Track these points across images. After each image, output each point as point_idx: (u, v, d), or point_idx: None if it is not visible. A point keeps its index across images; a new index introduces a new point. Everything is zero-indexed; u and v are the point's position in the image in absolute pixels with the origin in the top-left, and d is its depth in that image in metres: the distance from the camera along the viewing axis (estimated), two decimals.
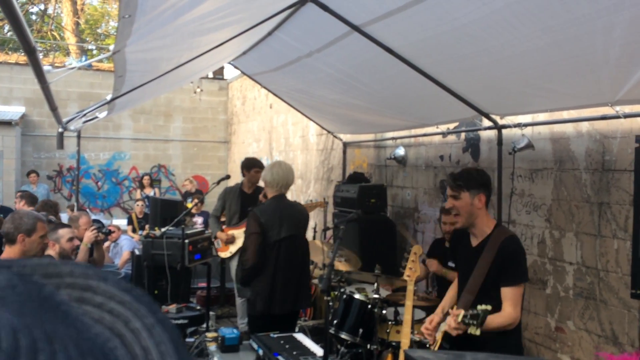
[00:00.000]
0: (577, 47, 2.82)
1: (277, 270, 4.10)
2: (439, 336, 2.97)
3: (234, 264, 6.01)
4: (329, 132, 7.31)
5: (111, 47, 3.08)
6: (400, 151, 6.43)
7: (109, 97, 4.77)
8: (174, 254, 5.29)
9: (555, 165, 4.47)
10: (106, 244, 6.51)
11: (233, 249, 6.00)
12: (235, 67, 6.40)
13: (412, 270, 3.53)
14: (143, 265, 5.46)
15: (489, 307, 2.56)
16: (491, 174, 3.93)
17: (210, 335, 4.19)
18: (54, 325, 0.35)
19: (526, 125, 4.29)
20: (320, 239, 6.56)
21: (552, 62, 3.07)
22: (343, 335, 3.96)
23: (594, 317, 4.11)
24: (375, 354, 3.89)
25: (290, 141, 10.20)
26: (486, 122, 4.61)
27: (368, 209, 5.95)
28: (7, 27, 19.30)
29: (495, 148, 4.63)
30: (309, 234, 5.75)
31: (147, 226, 6.61)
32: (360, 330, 3.92)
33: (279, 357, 3.31)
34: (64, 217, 6.84)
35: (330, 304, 3.87)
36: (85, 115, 5.37)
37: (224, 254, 6.12)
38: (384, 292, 4.53)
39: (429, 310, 3.82)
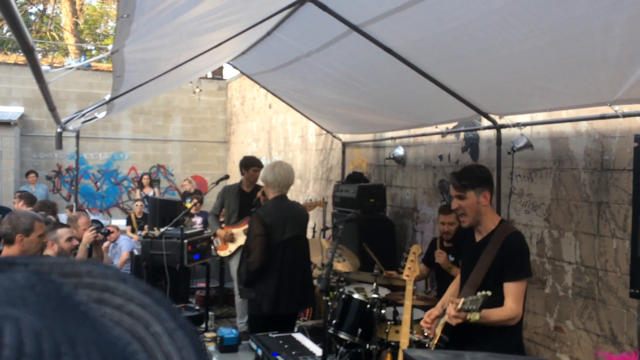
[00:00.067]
0: (576, 47, 2.82)
1: (283, 271, 4.08)
2: (438, 330, 2.97)
3: (233, 263, 6.00)
4: (328, 132, 7.31)
5: (110, 47, 3.08)
6: (400, 151, 6.43)
7: (107, 97, 4.77)
8: (173, 254, 5.28)
9: (554, 165, 4.47)
10: (105, 244, 6.51)
11: (232, 247, 6.00)
12: (234, 67, 6.40)
13: (411, 270, 3.53)
14: (142, 265, 5.46)
15: (489, 293, 2.56)
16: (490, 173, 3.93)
17: (209, 335, 4.18)
18: (75, 328, 0.33)
19: (525, 124, 4.29)
20: (319, 238, 6.55)
21: (551, 62, 3.07)
22: (342, 335, 3.96)
23: (592, 316, 4.11)
24: (374, 353, 3.89)
25: (290, 141, 10.20)
26: (485, 122, 4.61)
27: (367, 209, 5.95)
28: (5, 28, 19.27)
29: (494, 148, 4.63)
30: (309, 234, 5.74)
31: (146, 226, 6.60)
32: (359, 330, 3.92)
33: (278, 357, 3.31)
34: (63, 217, 6.84)
35: (329, 303, 3.87)
36: (84, 115, 5.36)
37: (223, 253, 6.12)
38: (384, 292, 4.53)
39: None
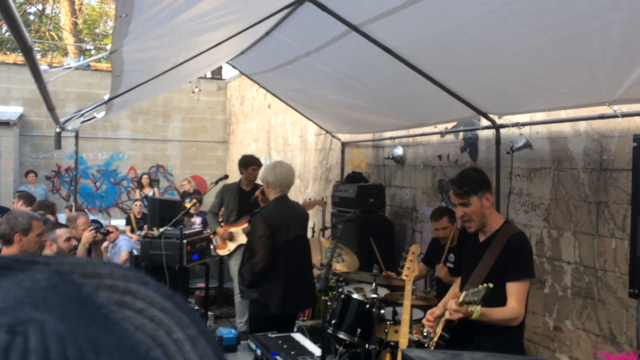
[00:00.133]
0: (575, 46, 2.82)
1: (288, 272, 4.07)
2: (439, 328, 2.97)
3: (232, 263, 6.00)
4: (327, 132, 7.31)
5: (109, 47, 3.07)
6: (399, 151, 6.43)
7: (106, 97, 4.76)
8: (172, 254, 5.29)
9: (553, 165, 4.47)
10: (104, 244, 6.51)
11: (231, 246, 6.00)
12: (234, 67, 6.40)
13: (410, 270, 3.53)
14: (141, 265, 5.46)
15: (491, 285, 2.55)
16: (489, 173, 3.94)
17: None
18: (97, 332, 0.32)
19: (524, 124, 4.29)
20: (319, 237, 6.55)
21: (550, 62, 3.07)
22: (341, 335, 3.96)
23: (592, 316, 4.11)
24: (374, 353, 3.89)
25: (289, 141, 10.20)
26: (484, 122, 4.61)
27: (366, 209, 5.95)
28: (4, 28, 19.25)
29: (494, 147, 4.62)
30: (308, 233, 5.74)
31: (145, 226, 6.60)
32: (359, 330, 3.92)
33: (277, 357, 3.31)
34: (62, 217, 6.83)
35: (329, 303, 3.86)
36: (83, 115, 5.35)
37: (222, 252, 6.11)
38: (383, 292, 4.53)
39: (427, 310, 3.81)
